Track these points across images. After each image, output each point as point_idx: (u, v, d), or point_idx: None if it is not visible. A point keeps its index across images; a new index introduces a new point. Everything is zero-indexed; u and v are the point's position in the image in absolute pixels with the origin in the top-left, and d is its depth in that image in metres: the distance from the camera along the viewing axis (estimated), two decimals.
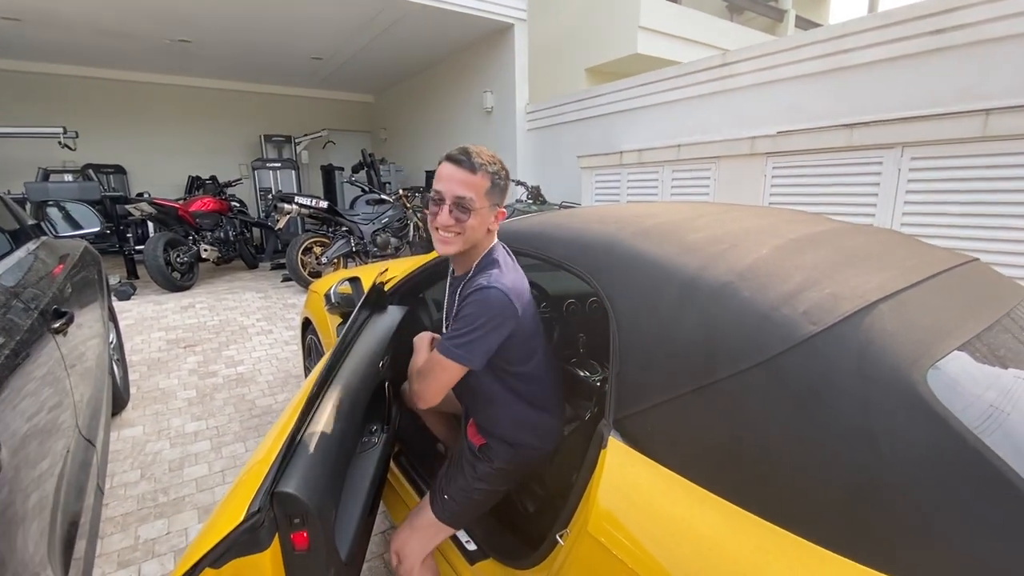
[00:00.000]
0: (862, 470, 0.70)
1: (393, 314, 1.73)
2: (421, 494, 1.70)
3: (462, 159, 1.09)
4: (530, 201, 5.19)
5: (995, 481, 0.64)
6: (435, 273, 1.77)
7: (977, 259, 1.26)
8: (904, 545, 0.65)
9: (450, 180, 1.09)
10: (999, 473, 0.64)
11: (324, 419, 1.11)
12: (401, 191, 5.94)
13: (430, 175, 7.19)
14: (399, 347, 1.77)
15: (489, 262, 1.17)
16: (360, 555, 1.29)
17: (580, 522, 0.97)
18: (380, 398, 1.59)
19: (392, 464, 1.85)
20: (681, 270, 1.00)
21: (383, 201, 5.77)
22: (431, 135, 8.24)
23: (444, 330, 1.25)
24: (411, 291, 1.83)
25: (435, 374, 1.12)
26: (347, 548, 1.13)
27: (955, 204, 2.73)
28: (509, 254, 1.24)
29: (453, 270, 1.28)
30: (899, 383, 0.73)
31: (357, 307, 1.57)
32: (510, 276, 1.14)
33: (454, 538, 1.51)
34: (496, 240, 1.24)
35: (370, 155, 7.33)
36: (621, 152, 4.72)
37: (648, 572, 0.81)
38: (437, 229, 1.12)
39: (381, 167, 7.99)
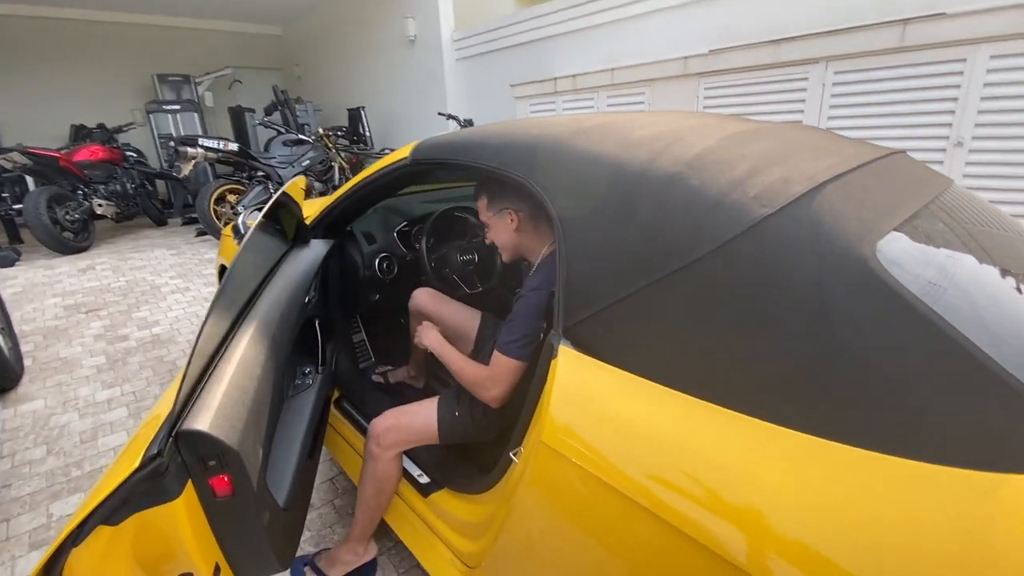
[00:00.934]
0: (816, 346, 0.68)
1: (317, 249, 1.57)
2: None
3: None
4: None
5: (946, 345, 0.63)
6: (363, 201, 1.61)
7: (903, 151, 1.28)
8: (859, 413, 0.65)
9: (479, 208, 1.34)
10: (948, 338, 0.63)
11: (238, 356, 0.97)
12: (321, 131, 5.47)
13: (354, 114, 6.66)
14: (326, 283, 1.62)
15: (544, 263, 1.24)
16: (302, 501, 1.20)
17: (534, 436, 0.93)
18: (310, 338, 1.46)
19: (334, 410, 1.74)
20: (628, 165, 0.93)
21: (302, 142, 5.30)
22: (350, 70, 7.58)
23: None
24: (336, 223, 1.66)
25: (506, 376, 1.19)
26: (284, 493, 1.04)
27: (876, 116, 2.83)
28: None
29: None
30: (851, 259, 0.72)
31: (243, 236, 1.40)
32: (554, 274, 1.23)
33: (406, 473, 1.46)
34: (552, 238, 1.28)
35: (283, 92, 6.66)
36: (555, 79, 4.53)
37: (607, 474, 0.78)
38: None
39: (297, 107, 7.31)
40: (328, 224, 1.64)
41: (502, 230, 1.29)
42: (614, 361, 0.85)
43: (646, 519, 0.74)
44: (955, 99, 2.58)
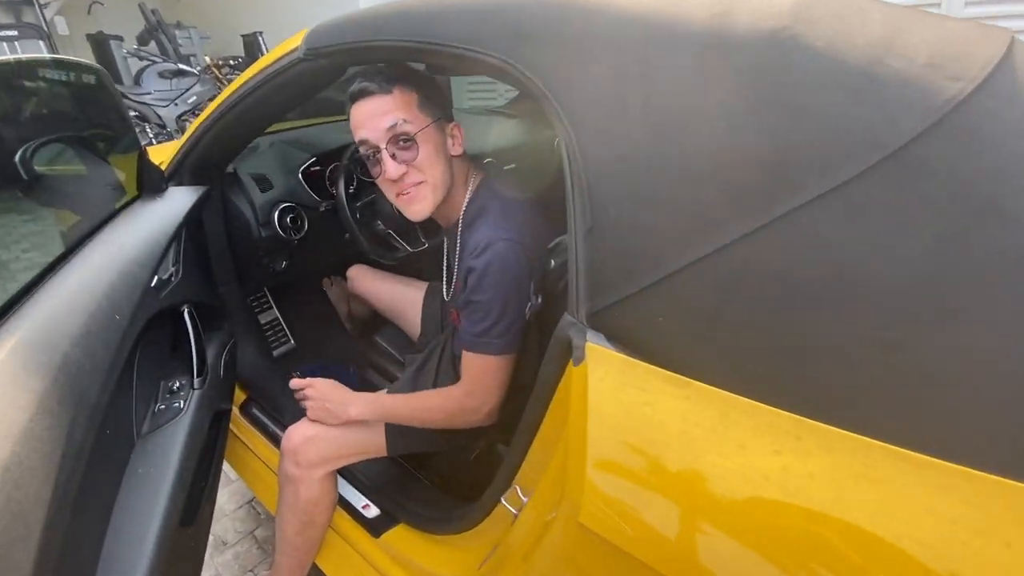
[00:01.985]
0: None
1: (177, 202, 1.06)
2: None
3: (367, 87, 0.80)
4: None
5: None
6: (243, 127, 1.10)
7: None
8: None
9: (369, 120, 0.81)
10: None
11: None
12: (210, 60, 4.53)
13: (250, 41, 5.61)
14: (196, 252, 1.12)
15: (481, 208, 0.87)
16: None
17: (563, 508, 0.57)
18: (177, 336, 0.99)
19: (240, 418, 1.29)
20: (685, 23, 0.52)
21: (184, 73, 4.35)
22: None
23: (445, 294, 1.03)
24: (208, 162, 1.14)
25: (491, 382, 0.84)
26: None
27: None
28: (498, 185, 0.92)
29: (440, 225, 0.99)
30: None
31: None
32: (513, 221, 0.84)
33: (348, 506, 1.06)
34: (475, 170, 0.92)
35: (153, 12, 5.47)
36: None
37: None
38: (397, 195, 0.85)
39: (178, 34, 6.09)
40: (196, 164, 1.12)
41: (437, 148, 0.83)
42: (702, 368, 0.48)
43: None
44: None
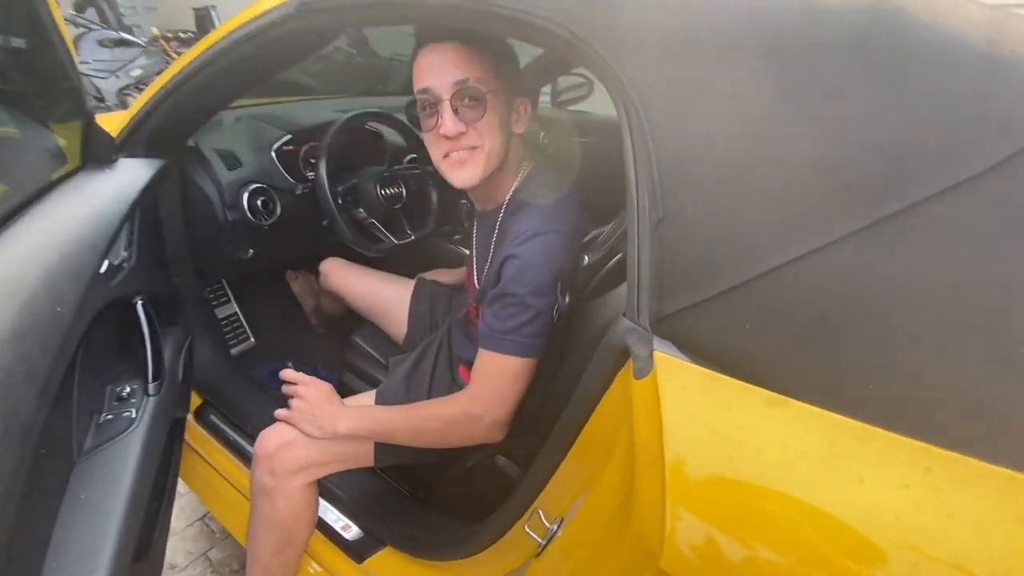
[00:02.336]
0: None
1: (129, 175, 0.90)
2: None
3: (445, 33, 0.72)
4: (352, 50, 4.02)
5: None
6: (212, 94, 0.96)
7: None
8: None
9: (439, 68, 0.72)
10: None
11: None
12: (157, 31, 4.17)
13: (202, 15, 5.22)
14: (150, 236, 0.97)
15: (530, 193, 0.81)
16: None
17: (599, 521, 0.49)
18: (125, 333, 0.84)
19: (195, 426, 1.14)
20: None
21: (128, 43, 3.99)
22: None
23: (476, 283, 0.91)
24: (166, 132, 0.98)
25: (509, 386, 0.75)
26: None
27: None
28: (551, 175, 0.85)
29: (476, 207, 0.92)
30: None
31: None
32: (566, 213, 0.78)
33: (324, 527, 0.95)
34: (529, 156, 0.86)
35: None
36: None
37: None
38: (445, 156, 0.76)
39: (121, 2, 5.60)
40: (152, 134, 0.96)
41: (502, 119, 0.76)
42: (802, 385, 0.41)
43: None
44: None
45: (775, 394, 0.41)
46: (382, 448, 0.90)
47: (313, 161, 1.27)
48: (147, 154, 0.97)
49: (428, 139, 0.77)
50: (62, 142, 0.88)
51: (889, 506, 0.36)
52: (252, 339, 1.51)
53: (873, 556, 0.35)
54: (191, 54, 0.90)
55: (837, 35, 0.44)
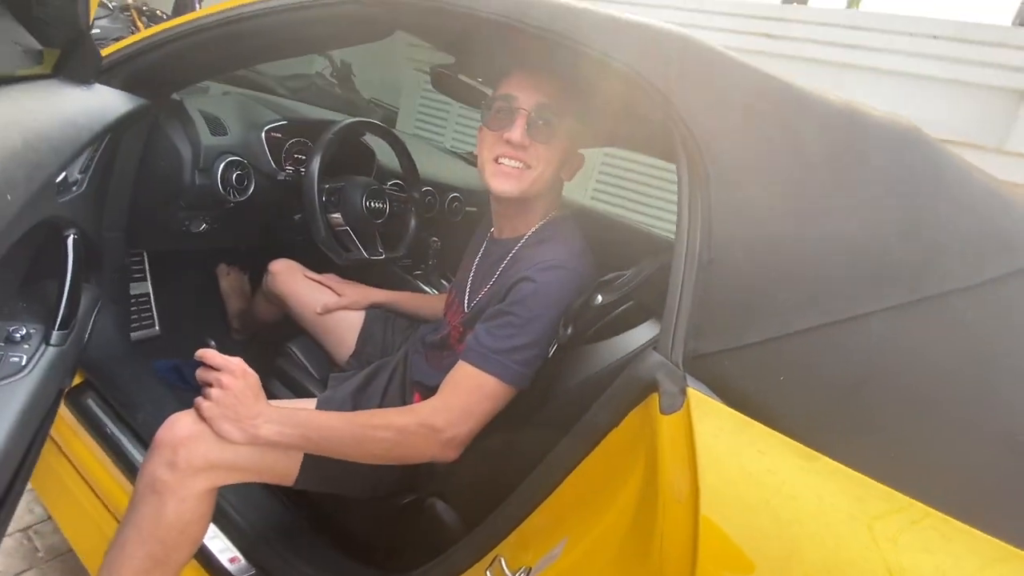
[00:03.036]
0: None
1: (104, 101, 0.81)
2: (130, 470, 0.88)
3: (551, 65, 0.75)
4: (333, 80, 4.04)
5: None
6: (222, 51, 0.90)
7: None
8: None
9: (533, 85, 0.76)
10: None
11: None
12: (130, 0, 3.95)
13: (182, 1, 5.07)
14: (102, 176, 0.85)
15: (557, 231, 0.83)
16: None
17: (593, 567, 0.45)
18: (37, 268, 0.71)
19: (66, 409, 0.94)
20: (825, 100, 0.53)
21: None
22: None
23: (464, 306, 0.89)
24: (155, 74, 0.90)
25: (482, 406, 0.71)
26: None
27: None
28: (575, 223, 0.88)
29: (492, 231, 0.92)
30: None
31: None
32: (587, 260, 0.81)
33: (208, 557, 0.78)
34: (560, 204, 0.88)
35: None
36: None
37: None
38: (497, 159, 0.77)
39: None
40: (142, 71, 0.88)
41: (554, 160, 0.79)
42: (832, 443, 0.41)
43: None
44: None
45: (806, 448, 0.42)
46: (310, 466, 0.78)
47: (299, 155, 1.21)
48: (128, 89, 0.87)
49: (486, 137, 0.79)
50: (35, 45, 0.78)
51: (920, 570, 0.36)
52: (157, 327, 1.32)
53: None
54: (215, 8, 0.85)
55: (880, 137, 0.51)
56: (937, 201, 0.47)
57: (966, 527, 0.38)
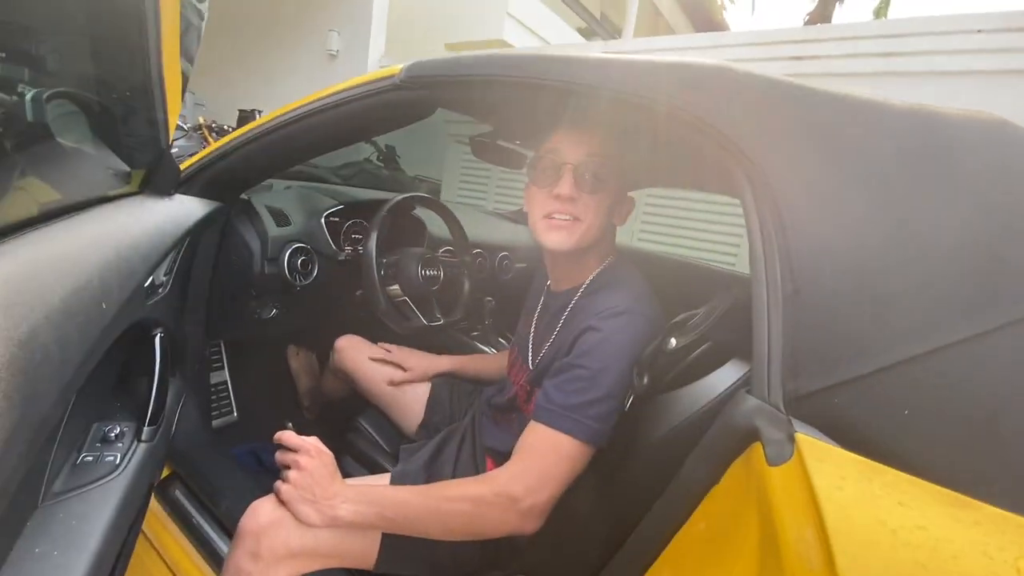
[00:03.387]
0: None
1: (186, 210, 0.88)
2: (216, 561, 0.88)
3: (592, 120, 0.75)
4: (380, 164, 4.34)
5: None
6: (283, 154, 0.98)
7: None
8: None
9: (577, 139, 0.76)
10: None
11: None
12: (203, 120, 4.48)
13: (245, 115, 5.69)
14: (184, 275, 0.92)
15: (616, 277, 0.81)
16: None
17: None
18: (129, 369, 0.76)
19: (157, 504, 0.97)
20: (891, 109, 0.49)
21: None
22: (251, 72, 6.64)
23: (529, 364, 0.86)
24: (227, 181, 0.99)
25: (560, 469, 0.67)
26: None
27: None
28: (633, 267, 0.87)
29: (548, 284, 0.91)
30: None
31: None
32: (652, 302, 0.78)
33: None
34: (615, 249, 0.87)
35: None
36: None
37: None
38: (546, 216, 0.78)
39: None
40: (216, 177, 0.96)
41: (604, 208, 0.78)
42: (977, 484, 0.35)
43: None
44: None
45: (956, 494, 0.36)
46: (389, 547, 0.75)
47: (356, 235, 1.27)
48: (204, 196, 0.96)
49: (535, 195, 0.79)
50: (124, 167, 0.87)
51: None
52: (235, 413, 1.37)
53: None
54: (274, 114, 0.94)
55: (963, 135, 0.46)
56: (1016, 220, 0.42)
57: None
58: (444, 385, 1.12)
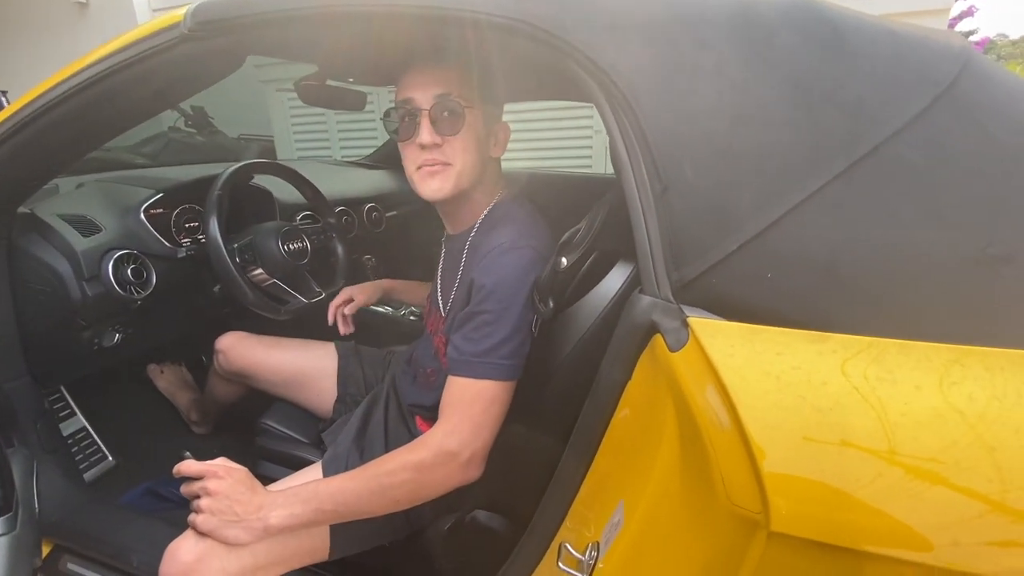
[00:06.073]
0: None
1: None
2: None
3: (433, 53, 0.73)
4: (191, 129, 3.69)
5: None
6: (76, 137, 0.78)
7: None
8: None
9: (423, 82, 0.73)
10: None
11: None
12: None
13: None
14: None
15: (505, 213, 0.80)
16: None
17: (651, 522, 0.45)
18: None
19: None
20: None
21: None
22: None
23: (443, 312, 0.85)
24: None
25: (488, 413, 0.68)
26: None
27: None
28: (524, 199, 0.86)
29: (447, 230, 0.89)
30: None
31: None
32: (540, 231, 0.78)
33: None
34: (504, 181, 0.86)
35: None
36: None
37: None
38: (419, 167, 0.75)
39: None
40: None
41: (478, 139, 0.75)
42: (832, 319, 0.43)
43: None
44: None
45: (816, 332, 0.42)
46: (340, 534, 0.74)
47: (191, 224, 1.09)
48: None
49: (404, 150, 0.76)
50: None
51: (951, 403, 0.38)
52: (110, 458, 1.20)
53: (963, 450, 0.36)
54: (32, 94, 0.73)
55: (773, 17, 0.50)
56: (844, 57, 0.48)
57: (974, 347, 0.40)
58: (351, 355, 1.07)
